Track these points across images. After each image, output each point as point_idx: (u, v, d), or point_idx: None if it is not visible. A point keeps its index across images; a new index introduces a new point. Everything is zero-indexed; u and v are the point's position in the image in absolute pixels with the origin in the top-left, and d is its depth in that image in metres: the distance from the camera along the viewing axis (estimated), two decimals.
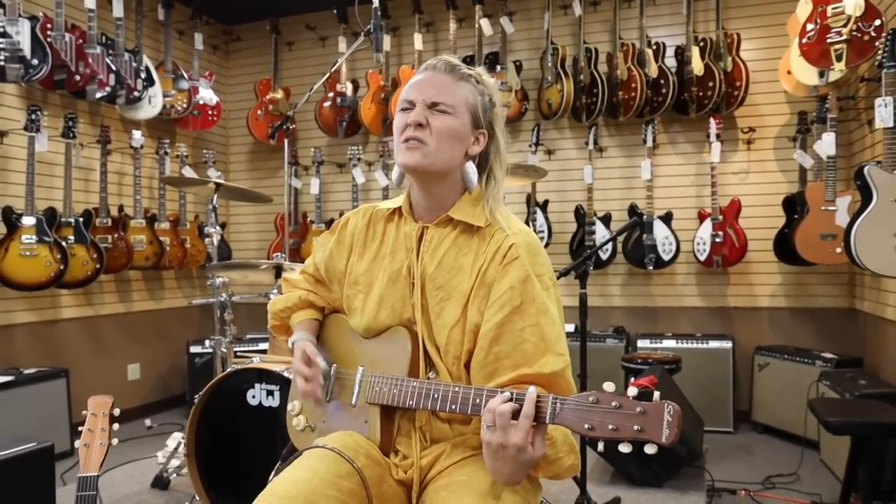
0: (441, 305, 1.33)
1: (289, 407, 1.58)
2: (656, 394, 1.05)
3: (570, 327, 3.66)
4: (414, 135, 1.31)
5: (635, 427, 1.02)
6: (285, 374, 2.34)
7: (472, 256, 1.33)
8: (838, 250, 3.40)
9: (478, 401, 1.18)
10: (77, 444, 1.64)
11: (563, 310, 1.34)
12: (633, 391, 1.06)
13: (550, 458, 1.20)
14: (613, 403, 1.05)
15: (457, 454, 1.30)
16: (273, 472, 1.64)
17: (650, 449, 1.03)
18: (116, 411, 1.71)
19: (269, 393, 2.39)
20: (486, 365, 1.28)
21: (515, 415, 1.10)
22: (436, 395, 1.24)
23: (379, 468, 1.33)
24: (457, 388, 1.22)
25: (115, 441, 1.68)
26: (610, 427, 1.04)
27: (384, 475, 1.33)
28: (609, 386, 1.08)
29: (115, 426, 1.69)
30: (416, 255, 1.38)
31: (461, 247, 1.35)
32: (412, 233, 1.40)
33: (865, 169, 2.76)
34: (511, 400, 1.12)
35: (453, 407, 1.21)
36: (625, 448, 1.05)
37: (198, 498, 2.45)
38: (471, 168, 1.37)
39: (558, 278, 2.64)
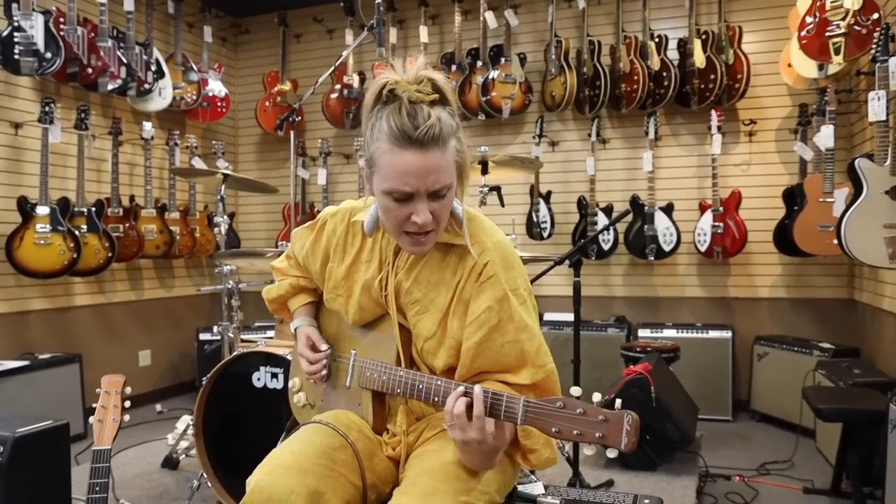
0: (417, 318, 1.38)
1: (289, 384, 1.67)
2: (618, 402, 1.13)
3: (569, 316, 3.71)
4: (424, 231, 1.27)
5: (597, 434, 1.10)
6: (289, 357, 2.42)
7: (449, 271, 1.36)
8: (835, 241, 3.45)
9: None
10: (91, 420, 1.73)
11: (538, 316, 1.39)
12: (596, 397, 1.14)
13: (527, 448, 1.28)
14: (578, 410, 1.12)
15: (436, 426, 1.39)
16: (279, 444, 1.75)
17: (611, 453, 1.12)
18: (128, 390, 1.79)
19: (274, 375, 2.48)
20: (467, 378, 1.34)
21: (470, 413, 1.18)
22: (420, 387, 1.32)
23: (371, 444, 1.41)
24: (439, 382, 1.30)
25: (126, 417, 1.76)
26: (575, 432, 1.11)
27: (376, 450, 1.41)
28: (576, 391, 1.17)
29: (127, 403, 1.77)
30: (391, 268, 1.41)
31: (438, 262, 1.37)
32: (388, 247, 1.43)
33: (856, 162, 2.81)
34: (464, 395, 1.20)
35: (436, 399, 1.30)
36: (588, 451, 1.14)
37: (206, 476, 2.55)
38: (456, 203, 1.34)
39: (552, 267, 2.73)
